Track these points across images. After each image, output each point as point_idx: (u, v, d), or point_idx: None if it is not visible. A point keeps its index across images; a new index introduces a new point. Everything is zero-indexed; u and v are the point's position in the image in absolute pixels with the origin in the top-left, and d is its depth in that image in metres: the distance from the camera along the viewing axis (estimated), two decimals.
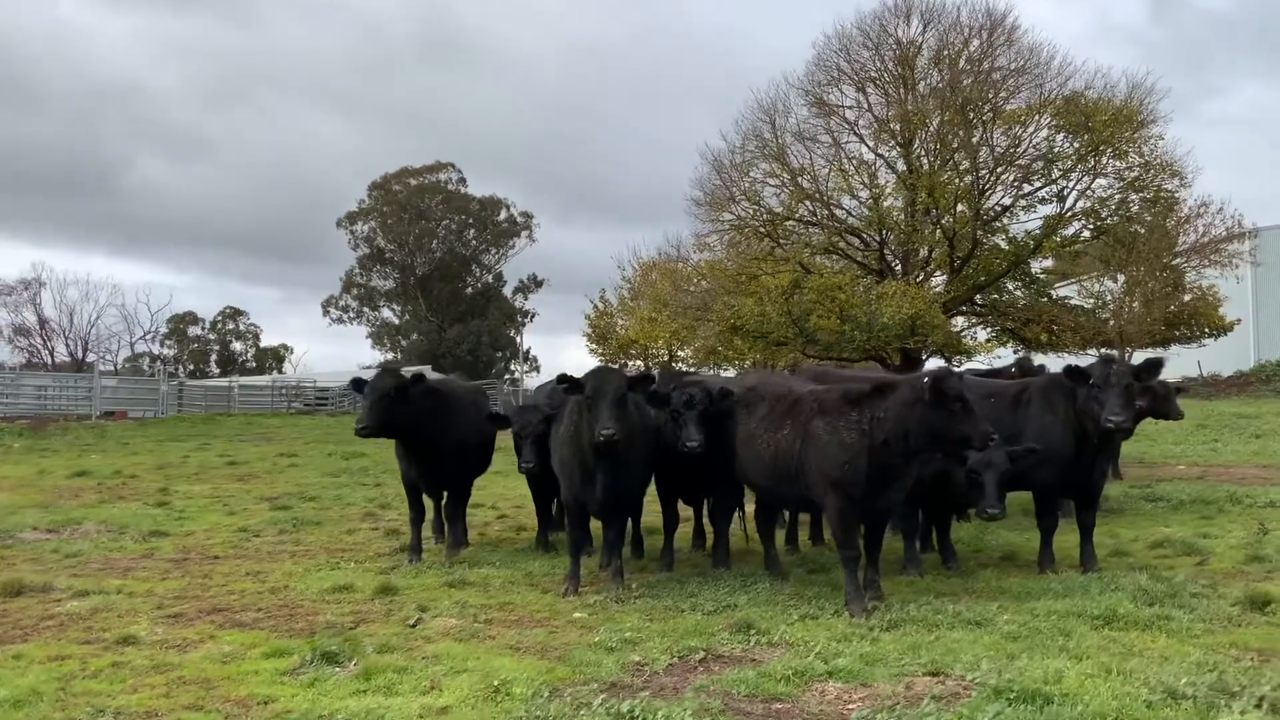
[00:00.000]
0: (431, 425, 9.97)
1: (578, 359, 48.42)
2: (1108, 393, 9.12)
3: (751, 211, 39.90)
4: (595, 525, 9.63)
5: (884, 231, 38.87)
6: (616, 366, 10.99)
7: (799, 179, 39.16)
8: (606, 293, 48.20)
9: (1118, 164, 37.00)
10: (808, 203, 39.39)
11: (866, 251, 40.62)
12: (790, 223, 40.17)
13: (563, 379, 8.76)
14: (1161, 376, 16.36)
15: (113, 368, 76.97)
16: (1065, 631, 7.06)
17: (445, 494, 10.84)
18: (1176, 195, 37.04)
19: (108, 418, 40.69)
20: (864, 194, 38.83)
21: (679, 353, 47.30)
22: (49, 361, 65.70)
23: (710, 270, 40.52)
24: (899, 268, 39.83)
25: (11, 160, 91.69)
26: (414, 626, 7.58)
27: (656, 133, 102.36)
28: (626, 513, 9.37)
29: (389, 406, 9.69)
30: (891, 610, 7.74)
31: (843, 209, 39.75)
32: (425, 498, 10.59)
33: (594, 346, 48.06)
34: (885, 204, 39.53)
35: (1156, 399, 17.46)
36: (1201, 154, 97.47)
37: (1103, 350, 38.56)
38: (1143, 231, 36.78)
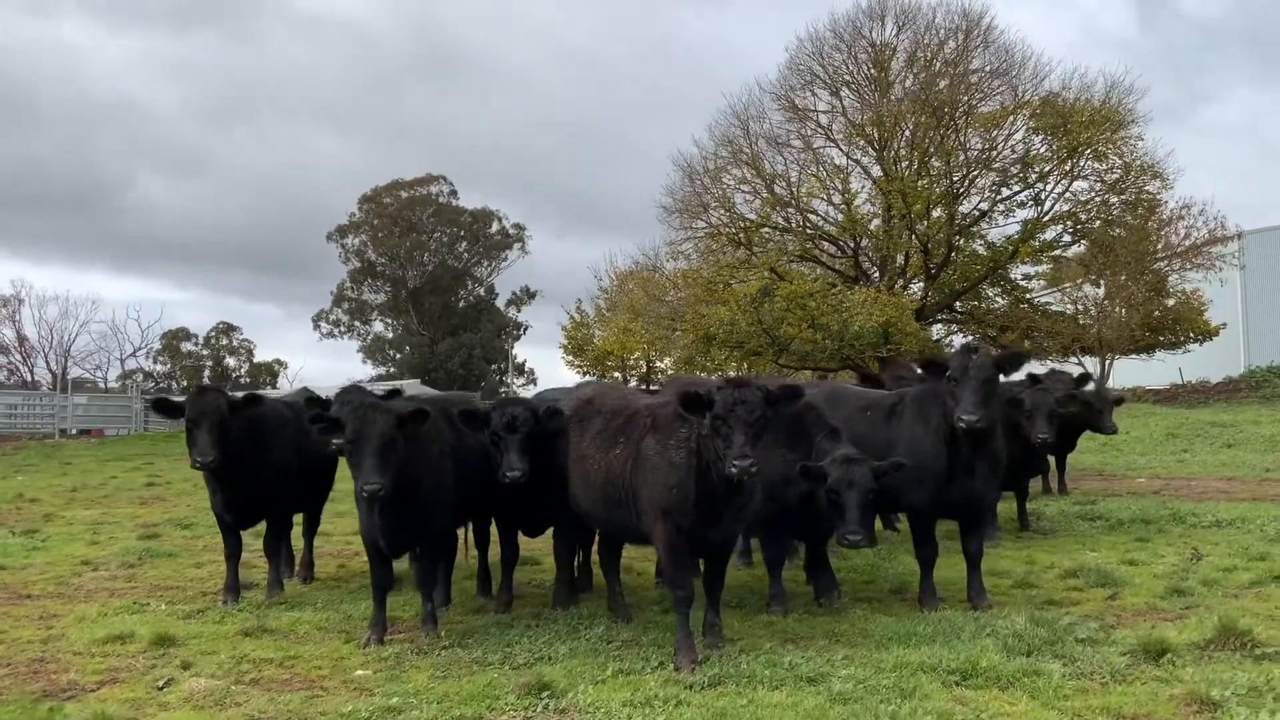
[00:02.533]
0: (251, 449, 8.90)
1: (570, 371, 47.41)
2: (963, 388, 7.99)
3: (725, 219, 38.94)
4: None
5: (858, 237, 37.87)
6: (381, 393, 9.45)
7: (773, 185, 38.19)
8: (583, 303, 47.09)
9: (1097, 166, 35.90)
10: (781, 209, 38.43)
11: (842, 258, 39.62)
12: (765, 230, 39.19)
13: (317, 418, 7.60)
14: (1110, 385, 15.24)
15: (102, 386, 76.30)
16: (907, 691, 5.98)
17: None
18: (1158, 197, 35.95)
19: (85, 435, 39.86)
20: (838, 199, 37.88)
21: (657, 364, 46.24)
22: (28, 379, 64.87)
23: (684, 279, 39.49)
24: (876, 275, 38.83)
25: (9, 178, 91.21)
26: (161, 689, 6.54)
27: (651, 145, 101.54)
28: (430, 553, 8.21)
29: (227, 431, 8.64)
30: (722, 663, 6.67)
31: (817, 215, 38.77)
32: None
33: (570, 358, 46.94)
34: (860, 210, 38.55)
35: (1091, 410, 16.41)
36: (1194, 160, 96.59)
37: (1081, 355, 37.47)
38: (1124, 234, 35.68)
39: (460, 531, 9.29)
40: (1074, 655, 6.68)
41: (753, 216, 38.64)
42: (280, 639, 7.74)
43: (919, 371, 9.16)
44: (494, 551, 9.36)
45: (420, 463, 7.58)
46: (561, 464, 8.13)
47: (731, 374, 42.10)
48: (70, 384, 53.94)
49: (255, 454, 8.97)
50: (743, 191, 38.56)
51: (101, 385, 77.38)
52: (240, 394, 9.15)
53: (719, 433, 6.58)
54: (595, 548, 9.18)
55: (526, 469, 7.86)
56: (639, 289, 41.44)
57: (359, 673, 6.82)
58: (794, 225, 38.56)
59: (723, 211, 38.66)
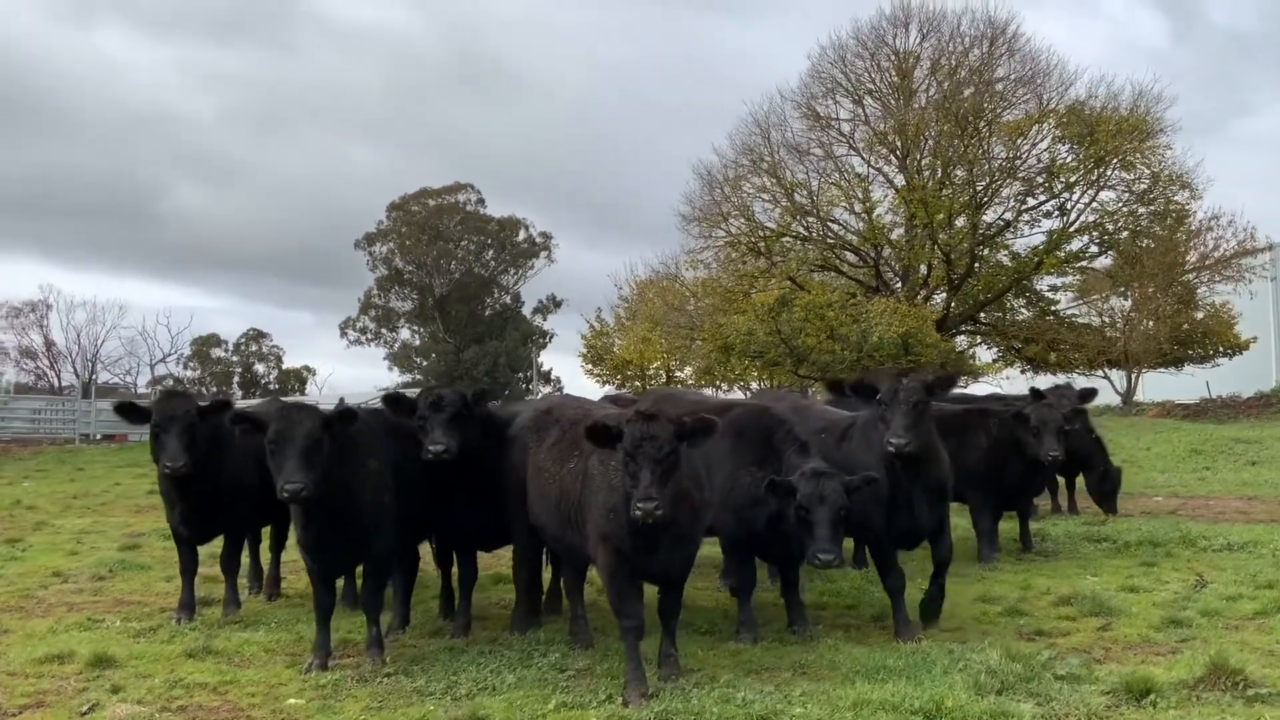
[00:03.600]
0: (214, 459, 8.59)
1: (590, 381, 47.18)
2: (892, 412, 7.73)
3: (745, 227, 38.56)
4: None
5: (879, 247, 37.40)
6: (310, 403, 9.22)
7: (793, 194, 37.80)
8: (603, 312, 46.80)
9: (1125, 175, 35.44)
10: (802, 218, 38.01)
11: (863, 268, 39.13)
12: (786, 239, 38.78)
13: (238, 419, 7.31)
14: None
15: (133, 391, 76.75)
16: None
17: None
18: (1187, 208, 35.34)
19: (108, 441, 39.89)
20: (859, 208, 37.45)
21: (677, 373, 45.84)
22: (55, 384, 65.37)
23: (703, 288, 39.08)
24: (899, 285, 38.34)
25: (49, 186, 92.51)
26: (84, 715, 6.23)
27: (680, 156, 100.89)
28: (375, 573, 7.78)
29: (195, 437, 8.36)
30: (672, 697, 6.27)
31: (838, 224, 38.34)
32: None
33: (590, 367, 46.68)
34: (883, 219, 38.08)
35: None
36: (1228, 173, 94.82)
37: (1106, 370, 36.71)
38: (1152, 245, 34.99)
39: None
40: (1050, 694, 6.23)
41: (772, 225, 38.28)
42: (223, 661, 7.42)
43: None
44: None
45: (355, 475, 7.25)
46: (518, 477, 7.77)
47: (754, 385, 41.64)
48: (95, 389, 54.24)
49: (218, 464, 8.67)
50: (762, 200, 38.26)
51: (132, 391, 77.75)
52: (208, 400, 8.87)
53: (627, 469, 6.23)
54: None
55: (453, 445, 7.50)
56: (658, 298, 41.09)
57: (290, 701, 6.48)
58: (814, 234, 38.18)
59: (742, 220, 38.34)
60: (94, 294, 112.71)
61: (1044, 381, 36.70)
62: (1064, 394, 12.63)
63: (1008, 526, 12.48)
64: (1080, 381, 37.60)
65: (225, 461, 8.72)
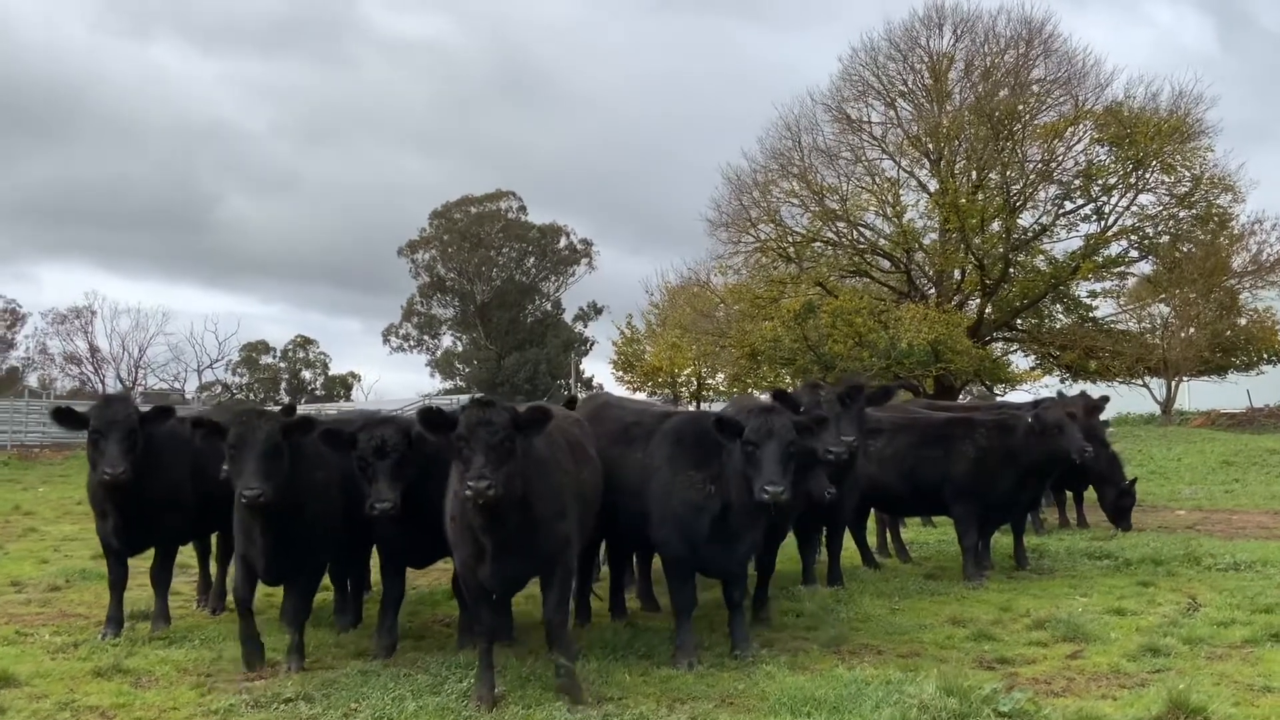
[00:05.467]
0: (151, 467, 8.27)
1: (621, 388, 46.87)
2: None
3: (774, 233, 37.97)
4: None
5: (910, 252, 36.63)
6: (267, 408, 9.07)
7: (825, 199, 37.15)
8: (633, 318, 46.29)
9: (1165, 178, 34.37)
10: (832, 223, 37.36)
11: (895, 274, 38.39)
12: (816, 244, 38.14)
13: (198, 423, 7.19)
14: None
15: (181, 397, 77.60)
16: None
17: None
18: (1229, 211, 34.23)
19: None
20: (890, 212, 36.72)
21: (708, 380, 45.28)
22: (100, 389, 66.16)
23: (730, 294, 38.49)
24: (932, 291, 37.54)
25: (105, 197, 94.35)
26: None
27: (719, 163, 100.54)
28: (303, 580, 7.57)
29: (135, 443, 8.06)
30: None
31: (869, 229, 37.62)
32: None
33: (620, 374, 46.20)
34: (915, 224, 37.32)
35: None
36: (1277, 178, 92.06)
37: (1146, 377, 35.61)
38: (1195, 250, 33.92)
39: None
40: None
41: (802, 231, 37.64)
42: (128, 681, 7.05)
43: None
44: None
45: (304, 486, 7.19)
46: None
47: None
48: (143, 395, 54.80)
49: (153, 474, 8.33)
50: (791, 204, 37.61)
51: (181, 397, 78.59)
52: (150, 407, 8.55)
53: (461, 455, 6.13)
54: None
55: (398, 500, 7.10)
56: (687, 305, 40.58)
57: None
58: (844, 239, 37.47)
59: (771, 226, 37.72)
60: (139, 300, 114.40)
61: (1079, 390, 35.72)
62: (1055, 404, 12.00)
63: (1007, 541, 11.86)
64: (1120, 390, 36.68)
65: (160, 471, 8.39)
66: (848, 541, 11.42)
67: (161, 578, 8.79)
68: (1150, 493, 18.19)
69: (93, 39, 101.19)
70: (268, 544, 7.20)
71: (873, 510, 12.37)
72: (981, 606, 9.29)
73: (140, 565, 9.14)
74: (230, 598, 9.74)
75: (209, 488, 8.45)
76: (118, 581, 8.59)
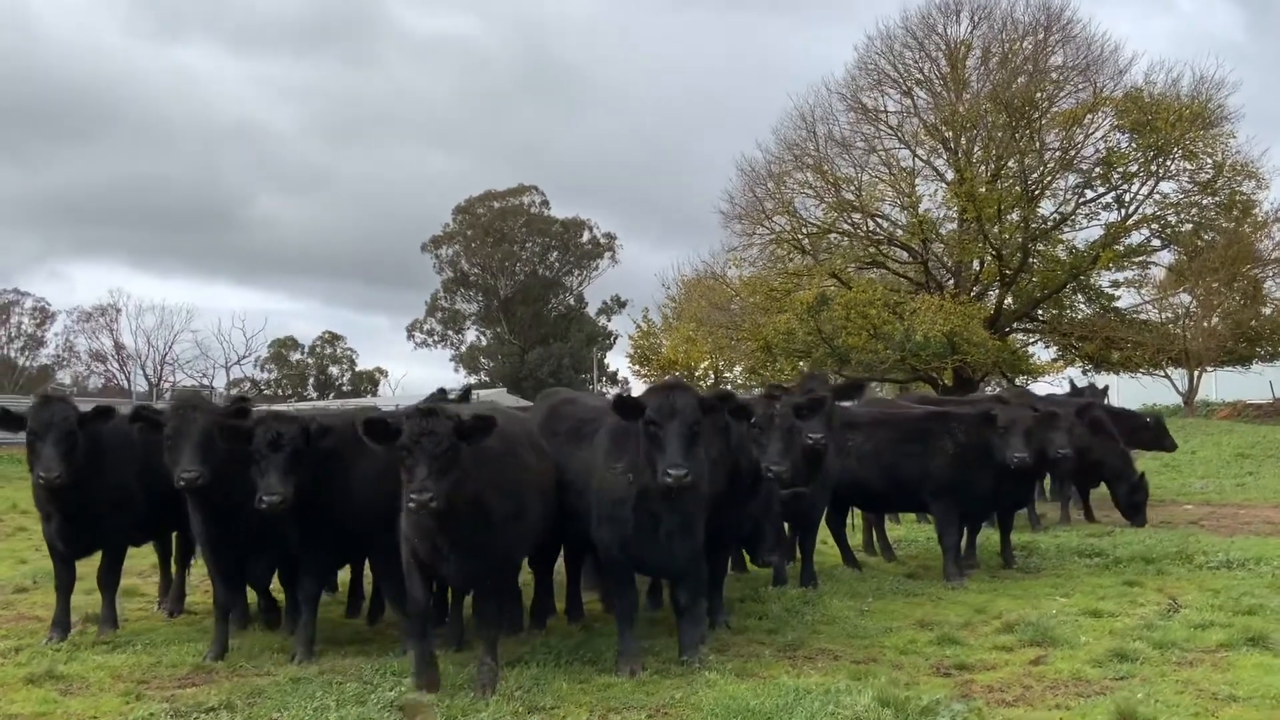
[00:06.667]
0: (93, 468, 8.10)
1: (639, 382, 46.59)
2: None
3: (791, 225, 37.58)
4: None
5: (927, 243, 36.12)
6: (205, 396, 9.27)
7: (841, 190, 36.71)
8: (650, 312, 45.98)
9: (1187, 165, 33.70)
10: (848, 214, 36.92)
11: (912, 264, 37.91)
12: (833, 235, 37.72)
13: (136, 416, 7.35)
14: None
15: (210, 393, 78.08)
16: None
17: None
18: (1253, 198, 33.54)
19: None
20: (906, 202, 36.24)
21: (726, 374, 44.95)
22: (126, 386, 66.76)
23: (745, 286, 38.08)
24: (951, 282, 37.05)
25: (137, 196, 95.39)
26: None
27: (737, 155, 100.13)
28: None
29: (74, 445, 7.90)
30: None
31: (886, 219, 37.16)
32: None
33: (637, 368, 45.96)
34: (933, 214, 36.82)
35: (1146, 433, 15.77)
36: None
37: (1167, 369, 34.97)
38: (1218, 239, 33.25)
39: None
40: None
41: (816, 222, 37.23)
42: (57, 689, 6.87)
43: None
44: None
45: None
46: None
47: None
48: (173, 391, 55.15)
49: (97, 475, 8.17)
50: (806, 196, 37.18)
51: (210, 393, 79.09)
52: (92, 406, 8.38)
53: (405, 465, 6.13)
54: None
55: (289, 493, 6.93)
56: (702, 298, 40.26)
57: None
58: (860, 231, 37.00)
59: (785, 217, 37.31)
60: (163, 298, 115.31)
61: (1105, 381, 35.10)
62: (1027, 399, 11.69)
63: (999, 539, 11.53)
64: (1144, 382, 36.05)
65: (105, 472, 8.23)
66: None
67: (108, 580, 8.61)
68: (1160, 486, 17.74)
69: (124, 42, 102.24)
70: (214, 531, 7.66)
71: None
72: (955, 608, 8.99)
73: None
74: (186, 601, 9.77)
75: (161, 487, 8.26)
76: (64, 585, 8.44)
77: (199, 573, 10.17)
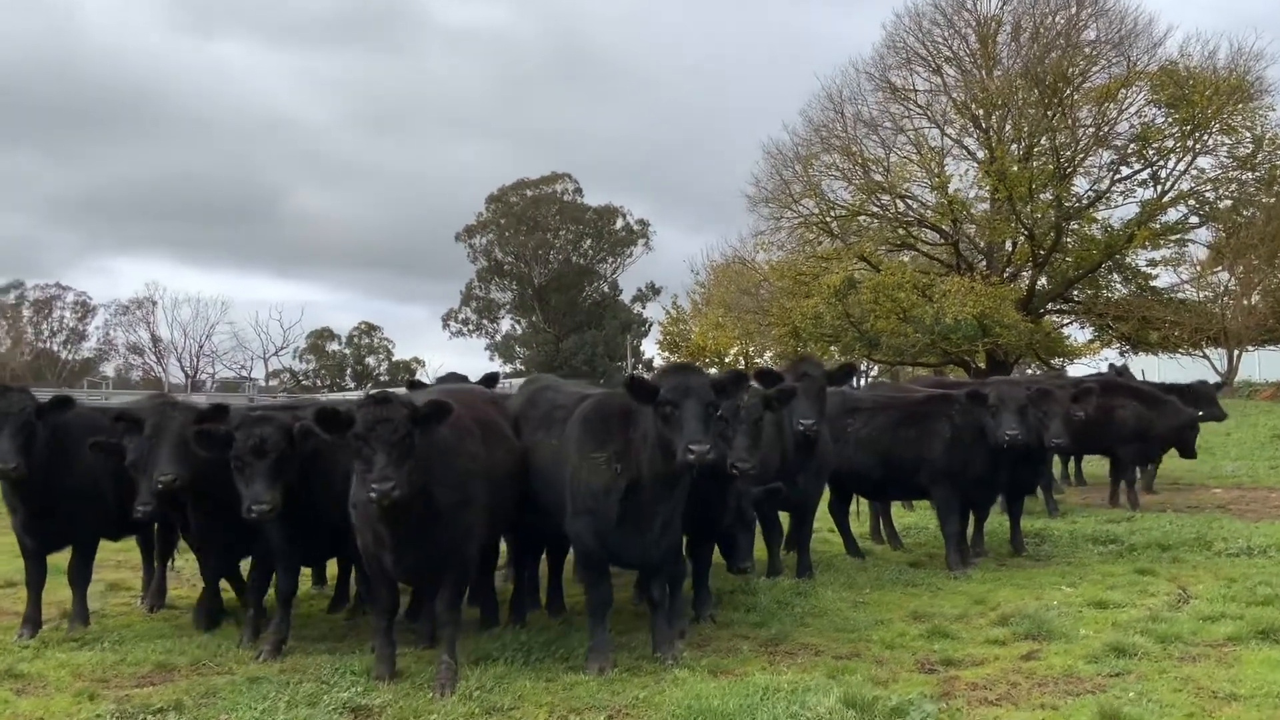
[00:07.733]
0: (58, 460, 7.92)
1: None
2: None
3: (819, 208, 37.04)
4: None
5: (958, 223, 35.45)
6: (179, 400, 8.96)
7: (870, 171, 36.13)
8: (679, 298, 45.66)
9: (1225, 140, 32.82)
10: (877, 195, 36.34)
11: (942, 245, 37.26)
12: (862, 217, 37.15)
13: (118, 417, 7.57)
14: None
15: (249, 385, 78.77)
16: None
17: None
18: None
19: None
20: (936, 182, 35.58)
21: (756, 360, 44.50)
22: (162, 378, 67.39)
23: (775, 271, 37.57)
24: (983, 263, 36.38)
25: (175, 190, 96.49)
26: None
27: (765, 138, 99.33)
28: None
29: (33, 436, 7.74)
30: None
31: (915, 200, 36.52)
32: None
33: (667, 354, 45.68)
34: (964, 194, 36.15)
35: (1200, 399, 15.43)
36: None
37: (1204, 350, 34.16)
38: (1258, 215, 32.36)
39: None
40: None
41: (844, 204, 36.69)
42: (13, 688, 6.70)
43: None
44: None
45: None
46: None
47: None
48: (212, 383, 55.56)
49: (64, 468, 8.00)
50: (833, 177, 36.63)
51: (250, 385, 79.68)
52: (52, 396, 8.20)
53: (361, 454, 6.01)
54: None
55: (277, 501, 6.68)
56: (731, 283, 39.85)
57: None
58: (889, 212, 36.41)
59: (813, 200, 36.79)
60: (199, 290, 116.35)
61: (1144, 362, 34.33)
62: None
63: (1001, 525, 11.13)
64: (1183, 362, 35.21)
65: (73, 465, 8.05)
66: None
67: (79, 576, 8.45)
68: (1191, 469, 17.16)
69: (161, 38, 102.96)
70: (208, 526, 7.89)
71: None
72: (953, 599, 8.62)
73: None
74: (168, 596, 9.60)
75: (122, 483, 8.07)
76: (34, 581, 8.28)
77: (191, 569, 10.09)
